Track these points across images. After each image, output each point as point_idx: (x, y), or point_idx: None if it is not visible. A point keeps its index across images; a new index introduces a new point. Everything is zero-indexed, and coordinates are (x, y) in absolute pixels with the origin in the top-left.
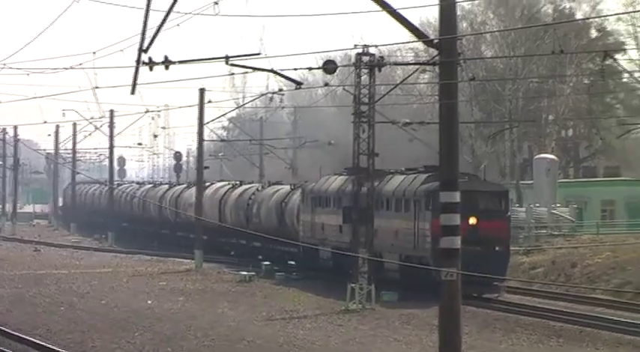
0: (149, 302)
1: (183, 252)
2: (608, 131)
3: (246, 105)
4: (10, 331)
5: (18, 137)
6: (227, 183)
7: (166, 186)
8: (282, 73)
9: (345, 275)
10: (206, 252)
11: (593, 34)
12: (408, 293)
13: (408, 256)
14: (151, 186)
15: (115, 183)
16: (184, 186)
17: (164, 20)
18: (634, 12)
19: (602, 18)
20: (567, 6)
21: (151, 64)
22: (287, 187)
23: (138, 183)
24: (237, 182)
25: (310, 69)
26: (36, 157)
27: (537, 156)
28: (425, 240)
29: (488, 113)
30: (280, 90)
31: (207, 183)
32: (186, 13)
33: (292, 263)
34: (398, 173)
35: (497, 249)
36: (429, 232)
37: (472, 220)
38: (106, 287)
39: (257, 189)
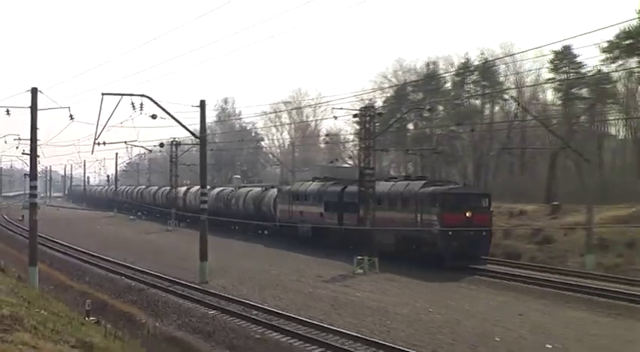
0: (98, 227)
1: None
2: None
3: (132, 159)
4: (51, 238)
5: (52, 169)
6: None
7: (106, 186)
8: (145, 147)
9: (321, 243)
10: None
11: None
12: (225, 229)
13: (405, 236)
14: (97, 186)
15: (87, 186)
16: (113, 186)
17: (102, 129)
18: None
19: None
20: (248, 128)
21: (98, 143)
22: (259, 189)
23: (96, 185)
24: (214, 186)
25: (155, 145)
26: (58, 176)
27: (234, 176)
28: (432, 227)
29: (218, 161)
30: (144, 153)
31: (189, 186)
32: (112, 126)
33: (266, 232)
34: (382, 180)
35: (484, 233)
36: (437, 222)
37: (468, 213)
38: (83, 222)
39: (232, 190)
